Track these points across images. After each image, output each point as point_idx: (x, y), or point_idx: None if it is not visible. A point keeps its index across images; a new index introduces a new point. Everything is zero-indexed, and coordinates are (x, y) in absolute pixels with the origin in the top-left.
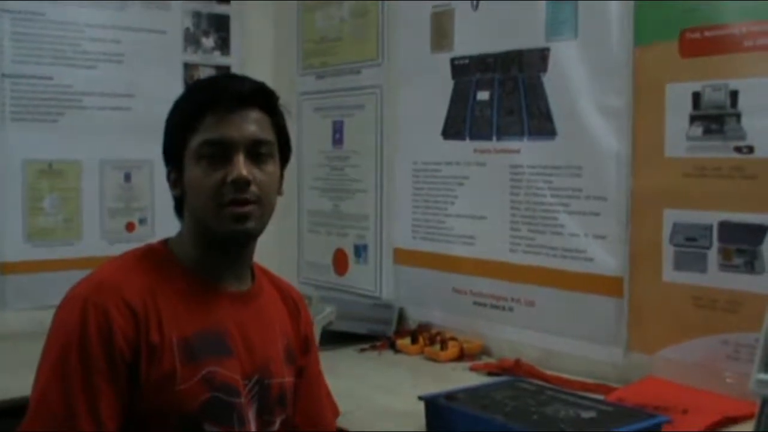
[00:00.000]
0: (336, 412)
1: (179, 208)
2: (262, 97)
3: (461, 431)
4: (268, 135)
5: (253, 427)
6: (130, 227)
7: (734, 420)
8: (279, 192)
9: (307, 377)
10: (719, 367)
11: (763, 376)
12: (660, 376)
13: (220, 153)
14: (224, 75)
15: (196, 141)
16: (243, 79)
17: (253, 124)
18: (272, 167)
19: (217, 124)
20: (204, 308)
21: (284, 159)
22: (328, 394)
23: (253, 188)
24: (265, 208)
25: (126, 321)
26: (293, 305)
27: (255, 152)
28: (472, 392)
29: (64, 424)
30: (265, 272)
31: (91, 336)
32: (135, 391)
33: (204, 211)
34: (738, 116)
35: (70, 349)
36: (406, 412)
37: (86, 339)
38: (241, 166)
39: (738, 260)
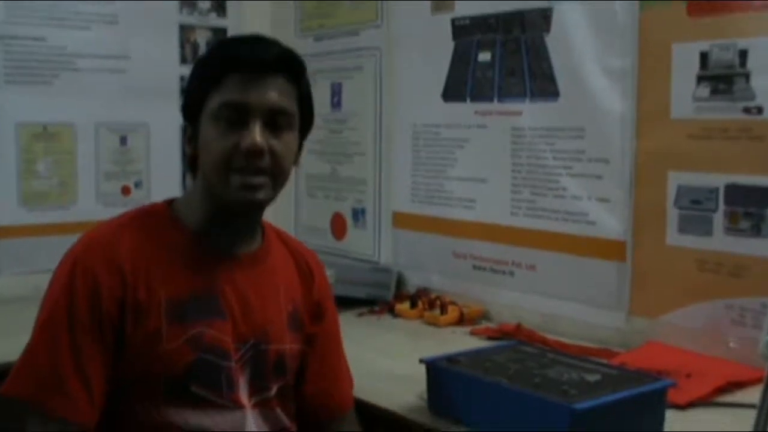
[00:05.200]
0: (351, 383)
1: (193, 167)
2: (289, 65)
3: (463, 394)
4: (290, 105)
5: (244, 392)
6: (125, 191)
7: (739, 385)
8: (296, 163)
9: (320, 346)
10: (723, 332)
11: None
12: (663, 341)
13: (237, 117)
14: (253, 36)
15: (215, 101)
16: (271, 43)
17: (275, 92)
18: (290, 137)
19: (238, 87)
20: (201, 270)
21: (305, 130)
22: (346, 366)
23: (267, 158)
24: (277, 178)
25: (113, 280)
26: (307, 270)
27: (273, 121)
28: (473, 355)
29: (49, 383)
30: (279, 234)
31: (79, 296)
32: (121, 351)
33: (213, 175)
34: (747, 76)
35: (58, 309)
36: (406, 376)
37: (73, 298)
38: (257, 134)
39: (744, 224)
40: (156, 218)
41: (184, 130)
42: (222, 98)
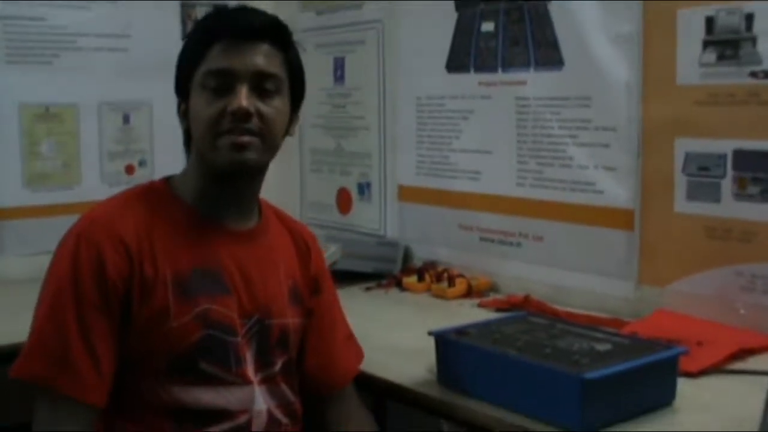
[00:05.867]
0: (359, 355)
1: (188, 142)
2: (274, 31)
3: (472, 366)
4: (277, 70)
5: (250, 367)
6: (129, 170)
7: (750, 351)
8: (289, 132)
9: (318, 320)
10: (733, 299)
11: None
12: (672, 310)
13: (224, 84)
14: (238, 7)
15: (201, 71)
16: (255, 12)
17: (260, 57)
18: (279, 103)
19: (224, 54)
20: (203, 245)
21: (297, 98)
22: (349, 338)
23: (255, 120)
24: (267, 142)
25: (119, 255)
26: (304, 245)
27: (260, 86)
28: (482, 327)
29: (59, 361)
30: (276, 211)
31: (84, 271)
32: (128, 329)
33: (202, 141)
34: (754, 40)
35: (64, 286)
36: (415, 349)
37: (79, 274)
38: (243, 97)
39: (753, 189)
40: (156, 195)
41: (179, 107)
42: (207, 67)
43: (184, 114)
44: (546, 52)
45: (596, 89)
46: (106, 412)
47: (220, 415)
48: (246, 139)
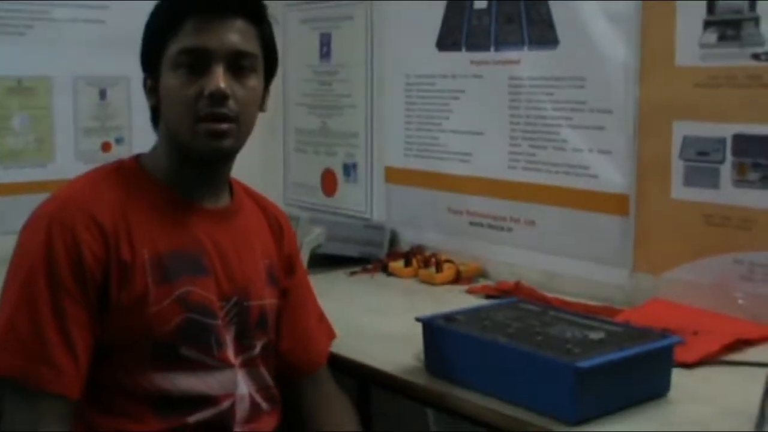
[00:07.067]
0: (331, 335)
1: (155, 119)
2: (248, 5)
3: (461, 354)
4: (252, 47)
5: (231, 351)
6: (106, 147)
7: (748, 342)
8: (262, 108)
9: (292, 300)
10: (731, 288)
11: None
12: (668, 298)
13: (198, 63)
14: None
15: (173, 48)
16: None
17: (235, 34)
18: (254, 82)
19: (197, 31)
20: (179, 225)
21: (270, 73)
22: (321, 318)
23: (232, 103)
24: (243, 126)
25: (95, 239)
26: (276, 224)
27: (236, 65)
28: (472, 313)
29: (34, 352)
30: (247, 190)
31: (59, 256)
32: (106, 315)
33: (178, 125)
34: (757, 20)
35: (36, 272)
36: (402, 336)
37: (53, 260)
38: (220, 79)
39: (753, 175)
40: (128, 174)
41: (144, 82)
42: (180, 44)
43: (151, 90)
44: (540, 30)
45: (592, 69)
46: (78, 406)
47: (202, 401)
48: (224, 126)
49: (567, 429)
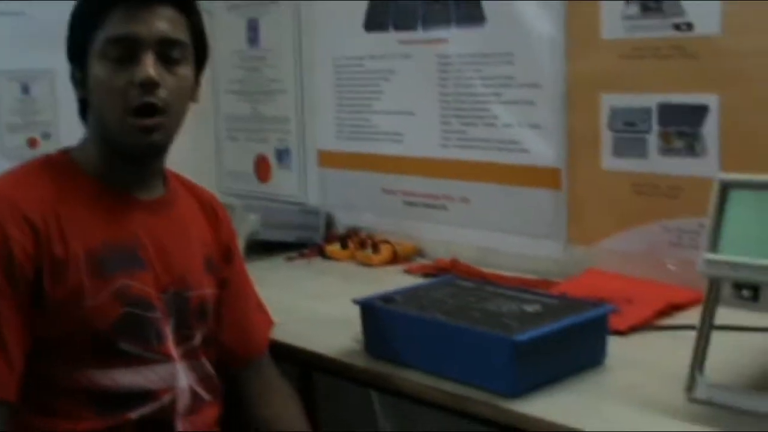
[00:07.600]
0: (269, 323)
1: (84, 112)
2: None
3: (400, 334)
4: (182, 35)
5: (171, 343)
6: (32, 143)
7: (678, 307)
8: (193, 99)
9: (232, 289)
10: (661, 254)
11: (711, 255)
12: (601, 268)
13: (127, 52)
14: None
15: (100, 38)
16: None
17: (164, 22)
18: (185, 71)
19: (124, 19)
20: (113, 218)
21: (200, 64)
22: (259, 306)
23: (162, 92)
24: (173, 117)
25: (25, 236)
26: (212, 213)
27: (166, 54)
28: (409, 293)
29: None
30: (180, 179)
31: None
32: (41, 312)
33: (108, 117)
34: None
35: None
36: (340, 319)
37: None
38: (149, 67)
39: (678, 143)
40: (57, 168)
41: (72, 74)
42: (108, 33)
43: (79, 82)
44: (467, 9)
45: (519, 45)
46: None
47: (143, 396)
48: (153, 121)
49: (507, 402)
